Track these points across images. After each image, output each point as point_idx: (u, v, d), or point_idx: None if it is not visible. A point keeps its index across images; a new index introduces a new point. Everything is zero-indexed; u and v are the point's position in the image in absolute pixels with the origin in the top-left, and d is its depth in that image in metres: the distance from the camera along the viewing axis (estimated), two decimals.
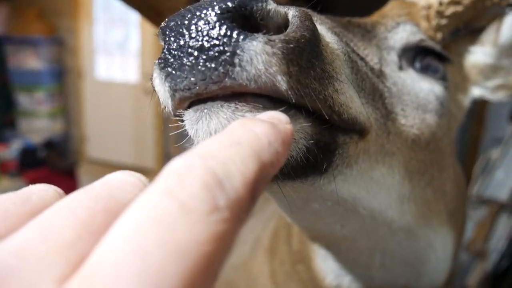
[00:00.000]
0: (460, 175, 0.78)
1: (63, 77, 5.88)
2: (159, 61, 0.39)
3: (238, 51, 0.35)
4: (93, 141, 6.15)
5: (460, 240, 0.77)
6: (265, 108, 0.37)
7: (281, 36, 0.36)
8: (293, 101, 0.37)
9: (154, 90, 0.43)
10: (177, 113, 0.42)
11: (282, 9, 0.38)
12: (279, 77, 0.36)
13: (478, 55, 0.80)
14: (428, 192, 0.63)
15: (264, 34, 0.36)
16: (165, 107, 0.42)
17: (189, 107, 0.41)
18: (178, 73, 0.37)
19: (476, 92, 0.81)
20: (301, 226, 0.66)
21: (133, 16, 5.67)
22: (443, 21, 0.70)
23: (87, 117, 6.11)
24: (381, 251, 0.65)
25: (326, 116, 0.40)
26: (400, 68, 0.63)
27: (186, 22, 0.37)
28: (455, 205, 0.72)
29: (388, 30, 0.65)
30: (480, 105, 2.37)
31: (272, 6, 0.37)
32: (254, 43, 0.35)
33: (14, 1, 5.44)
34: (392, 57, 0.63)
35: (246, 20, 0.36)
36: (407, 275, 0.70)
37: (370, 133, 0.48)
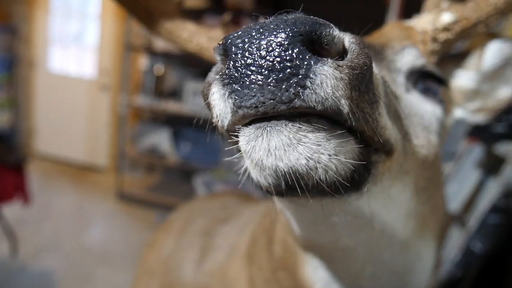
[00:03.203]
0: (445, 191, 0.83)
1: (14, 67, 5.57)
2: (223, 77, 0.39)
3: (310, 74, 0.36)
4: (42, 135, 5.88)
5: (441, 251, 0.81)
6: (325, 129, 0.38)
7: (347, 62, 0.37)
8: (353, 123, 0.39)
9: (207, 104, 0.42)
10: (232, 129, 0.41)
11: (341, 35, 0.39)
12: (343, 101, 0.37)
13: (462, 79, 0.86)
14: (426, 208, 0.66)
15: (330, 59, 0.37)
16: (218, 121, 0.41)
17: (248, 123, 0.41)
18: (245, 90, 0.37)
19: (458, 113, 0.87)
20: (306, 237, 0.67)
21: (92, 9, 5.50)
22: (437, 46, 0.75)
23: (37, 110, 5.83)
24: (373, 262, 0.68)
25: (373, 138, 0.42)
26: (407, 90, 0.67)
27: (255, 41, 0.37)
28: (443, 220, 0.76)
29: (395, 53, 0.68)
30: None
31: (336, 32, 0.38)
32: (325, 67, 0.36)
33: None
34: (400, 79, 0.67)
35: (311, 44, 0.37)
36: (394, 284, 0.73)
37: (394, 153, 0.50)
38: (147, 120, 5.61)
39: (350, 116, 0.38)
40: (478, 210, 1.90)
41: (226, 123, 0.41)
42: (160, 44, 4.79)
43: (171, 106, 4.88)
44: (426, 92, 0.69)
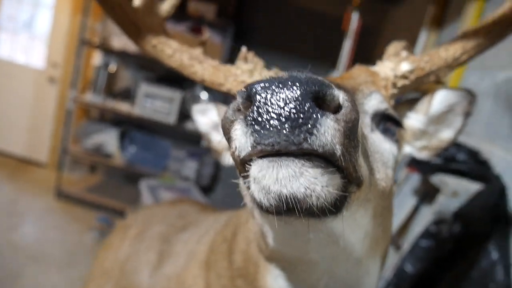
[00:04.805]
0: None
1: None
2: (247, 118, 0.48)
3: (317, 125, 0.46)
4: None
5: (383, 269, 0.93)
6: (322, 167, 0.49)
7: (343, 117, 0.48)
8: (342, 163, 0.49)
9: (226, 136, 0.50)
10: (247, 159, 0.49)
11: (338, 93, 0.48)
12: (337, 146, 0.47)
13: (413, 120, 0.99)
14: (379, 230, 0.78)
15: (331, 113, 0.48)
16: (236, 151, 0.49)
17: (262, 156, 0.49)
18: (265, 132, 0.46)
19: (407, 150, 1.00)
20: (278, 249, 0.75)
21: None
22: (395, 91, 0.86)
23: None
24: (330, 274, 0.78)
25: (352, 174, 0.52)
26: (372, 130, 0.78)
27: (275, 94, 0.46)
28: (390, 240, 0.88)
29: (364, 97, 0.79)
30: None
31: (336, 92, 0.49)
32: (328, 120, 0.47)
33: None
34: (367, 121, 0.77)
35: (316, 99, 0.47)
36: None
37: (363, 185, 0.60)
38: (95, 118, 5.48)
39: (341, 157, 0.48)
40: (412, 234, 2.07)
41: (243, 154, 0.49)
42: (116, 42, 4.73)
43: (121, 107, 4.81)
44: (386, 132, 0.80)
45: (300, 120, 0.45)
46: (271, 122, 0.46)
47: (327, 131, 0.46)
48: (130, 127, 5.22)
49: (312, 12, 4.78)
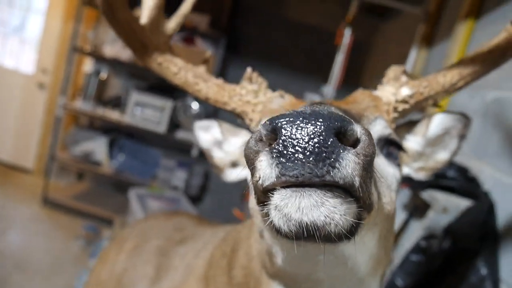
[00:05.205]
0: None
1: None
2: (273, 150, 0.50)
3: (339, 159, 0.49)
4: None
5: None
6: (341, 197, 0.51)
7: (362, 151, 0.51)
8: (360, 194, 0.52)
9: (250, 166, 0.52)
10: (270, 188, 0.51)
11: (357, 128, 0.51)
12: (356, 178, 0.50)
13: (411, 142, 1.03)
14: (382, 251, 0.81)
15: (351, 147, 0.51)
16: (260, 180, 0.51)
17: (285, 186, 0.52)
18: (289, 164, 0.49)
19: (405, 170, 1.03)
20: (286, 268, 0.77)
21: (38, 2, 5.30)
22: (396, 115, 0.90)
23: None
24: None
25: (366, 202, 0.55)
26: (376, 155, 0.80)
27: (300, 129, 0.49)
28: (389, 260, 0.91)
29: (369, 122, 0.82)
30: None
31: (355, 127, 0.52)
32: (349, 154, 0.50)
33: None
34: None
35: (338, 134, 0.50)
36: None
37: (373, 210, 0.63)
38: (84, 125, 5.45)
39: (359, 188, 0.51)
40: (402, 248, 2.10)
41: (267, 183, 0.52)
42: (107, 50, 4.73)
43: (111, 115, 4.80)
44: (389, 156, 0.83)
45: (324, 154, 0.48)
46: (296, 155, 0.48)
47: (348, 165, 0.49)
48: (120, 135, 5.20)
49: (305, 25, 4.85)
